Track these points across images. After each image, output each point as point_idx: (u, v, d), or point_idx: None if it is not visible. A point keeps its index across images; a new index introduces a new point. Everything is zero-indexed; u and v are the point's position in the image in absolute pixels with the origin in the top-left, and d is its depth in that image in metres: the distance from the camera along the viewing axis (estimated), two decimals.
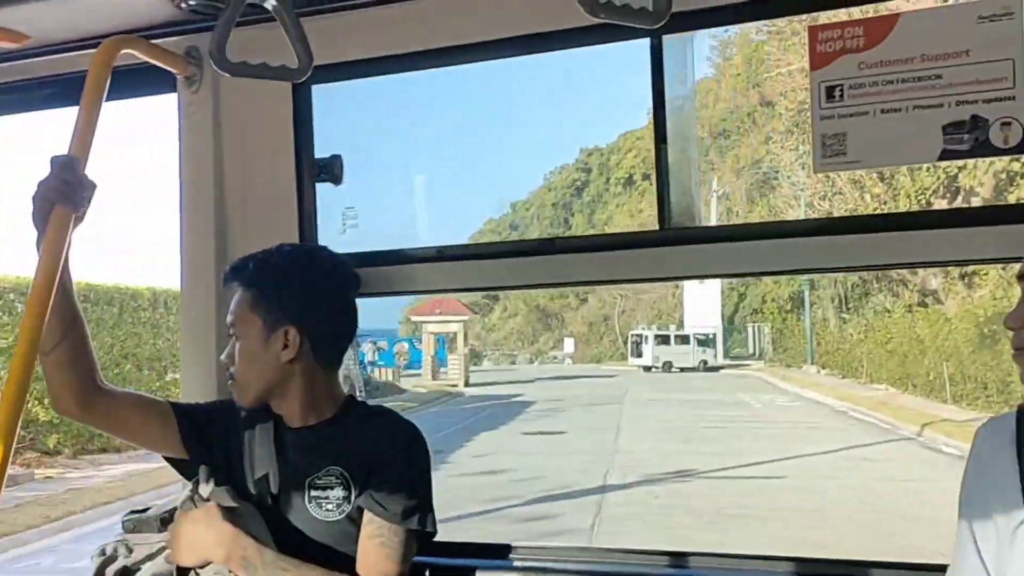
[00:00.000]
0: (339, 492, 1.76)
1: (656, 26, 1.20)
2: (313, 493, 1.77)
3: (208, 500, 1.74)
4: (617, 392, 26.21)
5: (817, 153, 1.81)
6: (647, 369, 36.44)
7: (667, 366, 36.17)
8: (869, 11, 1.82)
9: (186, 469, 1.89)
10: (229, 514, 1.71)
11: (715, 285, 36.37)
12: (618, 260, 1.96)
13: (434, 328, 32.37)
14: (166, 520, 1.83)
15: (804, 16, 2.39)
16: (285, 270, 1.85)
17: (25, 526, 10.11)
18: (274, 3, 1.58)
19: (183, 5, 1.92)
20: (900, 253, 1.79)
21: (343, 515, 1.75)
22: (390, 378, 30.65)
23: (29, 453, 13.60)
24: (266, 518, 1.75)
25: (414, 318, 34.28)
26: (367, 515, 1.74)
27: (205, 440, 1.88)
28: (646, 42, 1.88)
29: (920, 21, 1.75)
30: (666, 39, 1.89)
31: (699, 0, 1.79)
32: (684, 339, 37.44)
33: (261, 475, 1.81)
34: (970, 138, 1.71)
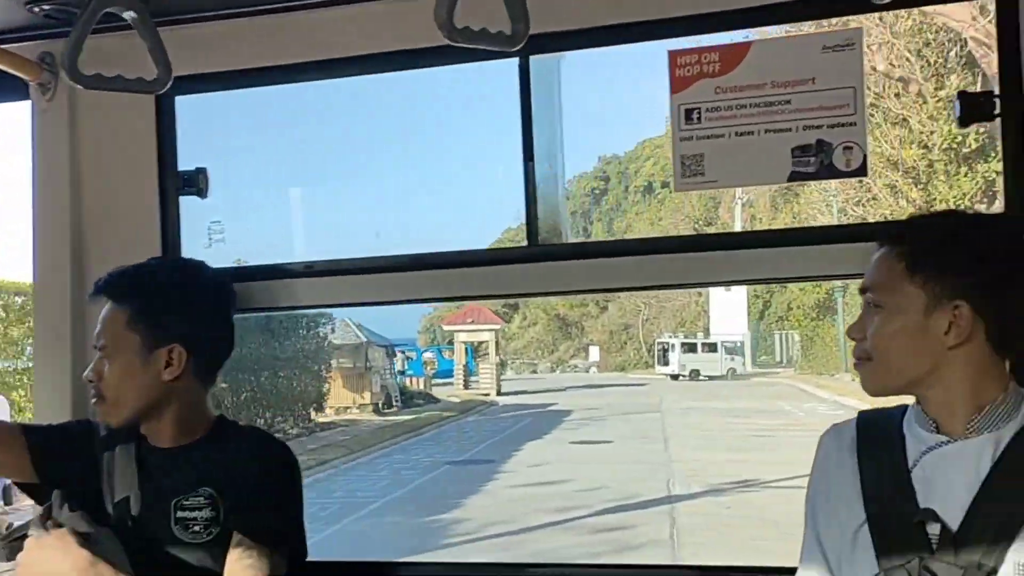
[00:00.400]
0: (207, 513, 1.72)
1: (514, 50, 1.23)
2: (180, 515, 1.72)
3: (61, 526, 1.67)
4: (651, 400, 26.23)
5: (677, 172, 1.88)
6: (674, 377, 36.19)
7: (694, 374, 35.93)
8: (725, 38, 1.91)
9: (38, 493, 1.80)
10: (84, 540, 1.64)
11: (741, 292, 36.32)
12: (488, 275, 1.99)
13: (465, 337, 32.31)
14: (15, 548, 1.75)
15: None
16: (166, 286, 1.81)
17: None
18: (132, 14, 1.53)
19: (36, 9, 1.84)
20: (748, 270, 1.87)
21: (211, 537, 1.71)
22: (422, 387, 30.44)
23: None
24: (125, 542, 1.69)
25: (446, 327, 33.99)
26: (236, 537, 1.70)
27: (59, 462, 1.80)
28: (539, 58, 1.92)
29: (770, 49, 1.85)
30: (534, 59, 1.93)
31: (563, 22, 1.84)
32: (711, 347, 37.35)
33: (121, 498, 1.74)
34: (816, 161, 1.81)
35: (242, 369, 18.00)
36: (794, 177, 1.84)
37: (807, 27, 1.83)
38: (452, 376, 32.13)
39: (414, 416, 22.67)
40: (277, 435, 1.88)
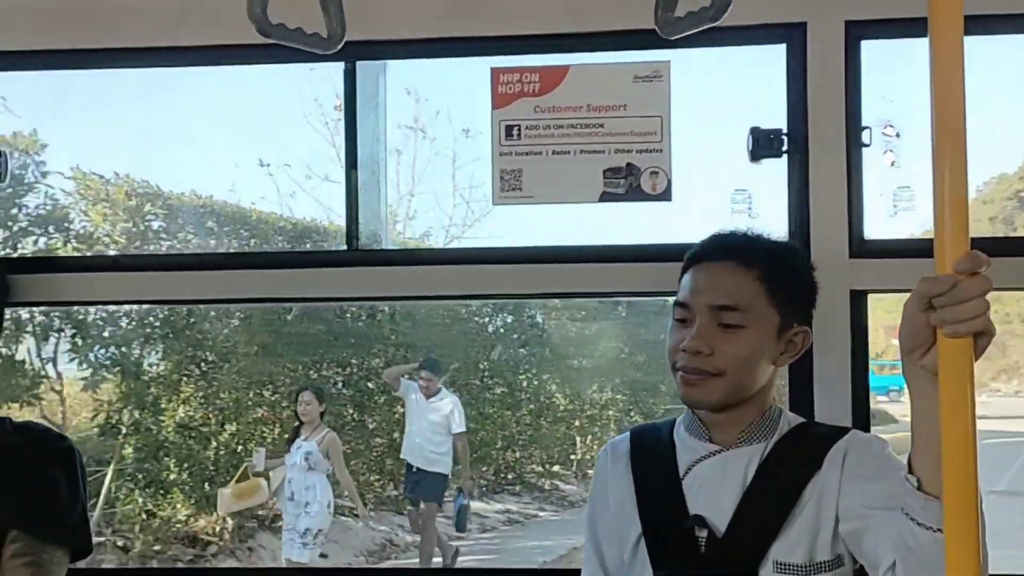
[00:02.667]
0: None
1: (329, 52, 1.23)
2: None
3: None
4: None
5: (496, 187, 1.94)
6: None
7: None
8: (547, 60, 1.99)
9: None
10: None
11: None
12: (307, 278, 1.97)
13: None
14: None
15: None
16: None
17: None
18: None
19: None
20: (561, 283, 1.95)
21: None
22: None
23: None
24: None
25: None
26: (13, 534, 1.60)
27: None
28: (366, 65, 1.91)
29: (587, 74, 1.94)
30: (361, 66, 1.94)
31: (387, 31, 1.87)
32: None
33: None
34: (625, 183, 1.92)
35: None
36: (605, 197, 1.93)
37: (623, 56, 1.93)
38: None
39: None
40: None
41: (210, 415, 7.68)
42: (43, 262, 2.01)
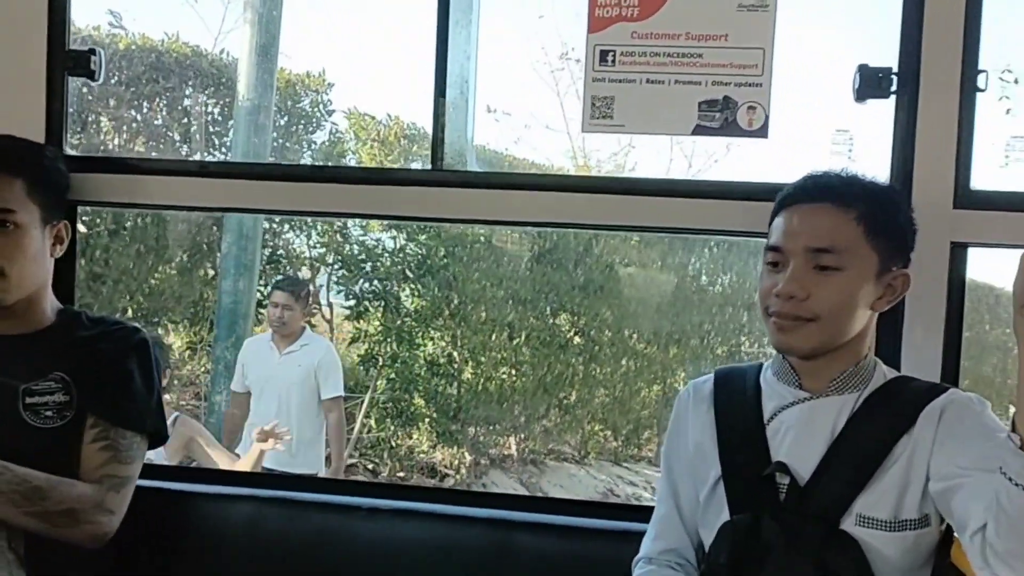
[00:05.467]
0: (59, 398, 1.68)
1: None
2: (28, 401, 1.67)
3: None
4: None
5: (587, 114, 1.89)
6: None
7: None
8: None
9: None
10: None
11: None
12: (390, 195, 1.96)
13: None
14: None
15: None
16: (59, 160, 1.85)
17: None
18: None
19: None
20: (648, 217, 1.90)
21: (65, 421, 1.68)
22: None
23: None
24: None
25: None
26: (91, 419, 1.68)
27: None
28: None
29: (688, 1, 1.86)
30: None
31: None
32: None
33: None
34: (721, 117, 1.85)
35: None
36: (698, 131, 1.87)
37: None
38: None
39: None
40: None
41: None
42: (118, 163, 2.04)
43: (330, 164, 6.93)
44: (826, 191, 1.40)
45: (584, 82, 1.88)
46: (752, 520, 1.35)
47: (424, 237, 7.49)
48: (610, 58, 1.87)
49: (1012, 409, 1.13)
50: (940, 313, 1.73)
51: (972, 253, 1.77)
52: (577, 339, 8.13)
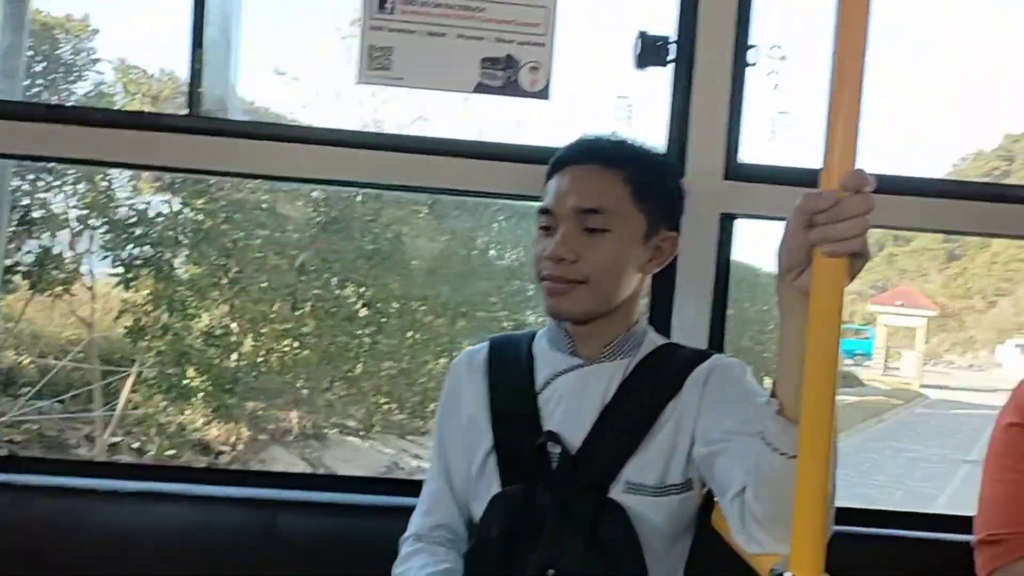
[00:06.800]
0: None
1: None
2: None
3: None
4: None
5: (364, 64, 1.77)
6: None
7: None
8: None
9: None
10: None
11: None
12: (141, 142, 1.75)
13: (893, 321, 29.40)
14: None
15: None
16: None
17: None
18: None
19: None
20: (429, 177, 1.81)
21: None
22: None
23: None
24: None
25: (871, 307, 31.04)
26: None
27: None
28: None
29: None
30: None
31: None
32: None
33: None
34: (503, 76, 1.78)
35: None
36: (480, 88, 1.80)
37: None
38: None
39: (859, 398, 19.25)
40: None
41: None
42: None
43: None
44: (595, 153, 1.39)
45: (361, 30, 1.76)
46: (525, 491, 1.31)
47: (201, 202, 7.08)
48: (389, 5, 1.75)
49: (768, 381, 1.14)
50: (709, 281, 1.76)
51: (736, 234, 1.81)
52: (364, 310, 8.02)
